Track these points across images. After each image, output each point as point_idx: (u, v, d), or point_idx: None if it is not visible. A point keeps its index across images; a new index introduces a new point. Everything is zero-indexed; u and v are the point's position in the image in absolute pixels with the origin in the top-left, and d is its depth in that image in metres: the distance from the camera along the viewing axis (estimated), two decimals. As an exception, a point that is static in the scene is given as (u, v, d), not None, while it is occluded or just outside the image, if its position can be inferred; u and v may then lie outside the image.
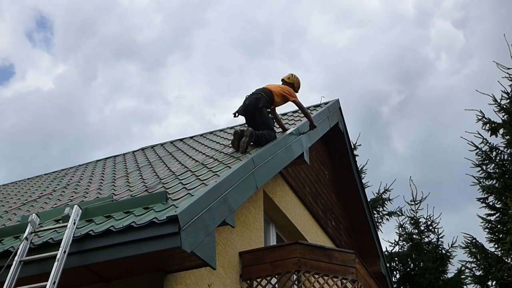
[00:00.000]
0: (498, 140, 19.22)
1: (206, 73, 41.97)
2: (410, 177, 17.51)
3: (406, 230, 17.05)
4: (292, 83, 8.33)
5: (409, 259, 16.49)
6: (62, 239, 4.84)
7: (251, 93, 7.76)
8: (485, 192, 14.82)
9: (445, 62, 40.39)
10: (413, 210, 17.19)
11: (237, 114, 7.68)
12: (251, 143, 7.39)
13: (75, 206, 5.27)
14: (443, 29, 40.75)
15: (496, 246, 14.29)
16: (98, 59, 42.34)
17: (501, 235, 14.20)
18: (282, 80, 8.38)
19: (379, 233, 14.05)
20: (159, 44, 42.17)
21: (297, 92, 8.38)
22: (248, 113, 7.66)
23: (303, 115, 9.91)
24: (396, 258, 16.58)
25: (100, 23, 42.36)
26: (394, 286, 14.61)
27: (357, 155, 16.82)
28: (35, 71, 44.30)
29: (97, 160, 12.22)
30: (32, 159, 38.41)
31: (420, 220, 17.05)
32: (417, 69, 39.37)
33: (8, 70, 44.21)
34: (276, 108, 8.18)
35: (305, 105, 8.59)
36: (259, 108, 7.56)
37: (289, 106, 9.26)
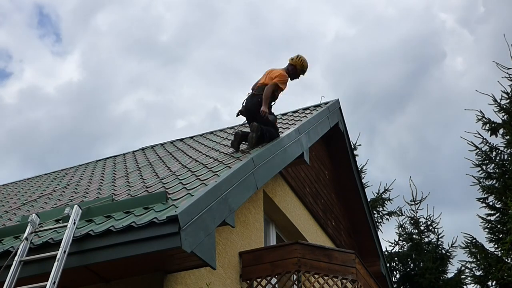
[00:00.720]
0: (498, 140, 19.25)
1: (220, 71, 41.97)
2: (410, 177, 17.53)
3: (406, 230, 17.05)
4: (295, 65, 7.92)
5: (409, 259, 16.48)
6: (62, 239, 4.84)
7: (250, 93, 7.67)
8: (485, 192, 14.82)
9: (454, 60, 40.03)
10: (413, 210, 17.21)
11: (240, 114, 7.64)
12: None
13: (75, 206, 5.27)
14: (452, 26, 40.42)
15: (496, 246, 14.29)
16: (111, 54, 42.17)
17: (501, 235, 14.20)
18: (288, 61, 8.00)
19: (379, 233, 14.06)
20: (175, 40, 42.14)
21: (302, 74, 8.00)
22: (250, 114, 7.60)
23: (303, 116, 9.95)
24: (396, 258, 16.58)
25: (115, 16, 42.30)
26: (394, 286, 14.61)
27: (357, 155, 16.83)
28: (44, 67, 44.06)
29: (97, 160, 12.23)
30: (46, 157, 38.54)
31: (420, 220, 17.06)
32: (424, 66, 39.14)
33: (19, 66, 44.06)
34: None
35: (304, 105, 8.60)
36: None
37: (290, 106, 9.17)
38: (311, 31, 41.36)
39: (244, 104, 7.64)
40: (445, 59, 39.23)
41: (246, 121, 7.87)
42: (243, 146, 7.65)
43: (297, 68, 7.91)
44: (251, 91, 7.71)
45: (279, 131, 7.98)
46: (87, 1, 40.18)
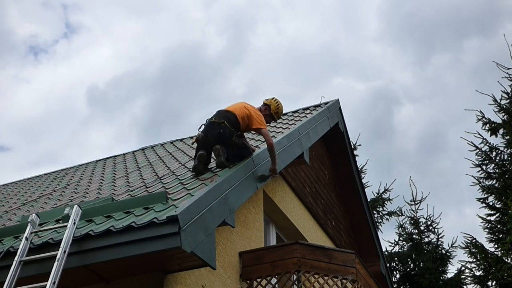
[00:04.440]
0: (498, 140, 19.29)
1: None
2: (410, 177, 17.54)
3: (406, 230, 17.06)
4: (269, 105, 7.06)
5: (409, 259, 16.49)
6: (62, 239, 4.84)
7: (210, 119, 6.58)
8: (485, 192, 14.82)
9: None
10: (413, 210, 17.21)
11: (196, 141, 6.60)
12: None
13: (75, 206, 5.27)
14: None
15: (496, 246, 14.30)
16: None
17: (501, 235, 14.20)
18: (263, 101, 7.18)
19: (379, 233, 14.07)
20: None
21: (274, 120, 7.25)
22: (209, 145, 6.50)
23: (303, 116, 9.93)
24: (396, 258, 16.58)
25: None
26: (394, 286, 14.61)
27: (357, 155, 16.83)
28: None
29: (97, 160, 12.24)
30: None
31: (420, 220, 17.07)
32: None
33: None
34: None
35: (306, 104, 8.53)
36: (226, 142, 6.46)
37: (288, 106, 8.96)
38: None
39: (203, 132, 6.56)
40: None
41: (200, 152, 6.57)
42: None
43: (271, 108, 7.06)
44: (212, 117, 6.63)
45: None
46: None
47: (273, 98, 7.15)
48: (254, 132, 7.18)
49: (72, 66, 41.69)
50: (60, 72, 40.82)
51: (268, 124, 7.24)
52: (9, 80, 39.08)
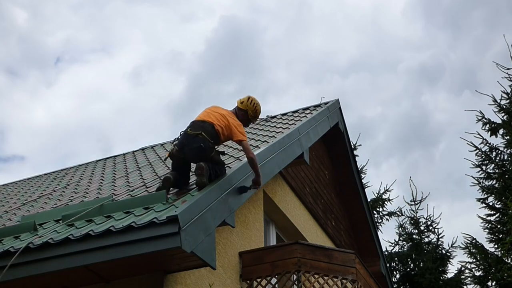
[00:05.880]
0: (498, 141, 19.29)
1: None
2: (410, 177, 17.55)
3: (406, 230, 17.07)
4: (246, 110, 6.34)
5: (409, 259, 16.50)
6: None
7: (185, 130, 5.95)
8: (485, 192, 14.82)
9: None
10: (413, 210, 17.22)
11: (171, 158, 6.00)
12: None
13: None
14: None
15: (496, 246, 14.30)
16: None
17: (501, 235, 14.21)
18: (237, 103, 6.43)
19: (379, 233, 14.07)
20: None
21: (252, 122, 6.53)
22: (185, 160, 5.98)
23: (303, 116, 9.93)
24: (396, 258, 16.59)
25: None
26: (394, 286, 14.61)
27: (357, 155, 16.83)
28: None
29: (97, 160, 12.24)
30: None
31: (420, 220, 17.08)
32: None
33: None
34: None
35: (305, 104, 8.51)
36: (205, 158, 5.78)
37: (289, 106, 9.01)
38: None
39: (177, 146, 5.94)
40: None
41: (174, 166, 6.06)
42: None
43: (248, 114, 6.36)
44: (187, 129, 5.97)
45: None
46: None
47: (249, 99, 6.37)
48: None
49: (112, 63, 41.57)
50: (91, 74, 40.63)
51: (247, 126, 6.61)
52: (40, 85, 39.07)
